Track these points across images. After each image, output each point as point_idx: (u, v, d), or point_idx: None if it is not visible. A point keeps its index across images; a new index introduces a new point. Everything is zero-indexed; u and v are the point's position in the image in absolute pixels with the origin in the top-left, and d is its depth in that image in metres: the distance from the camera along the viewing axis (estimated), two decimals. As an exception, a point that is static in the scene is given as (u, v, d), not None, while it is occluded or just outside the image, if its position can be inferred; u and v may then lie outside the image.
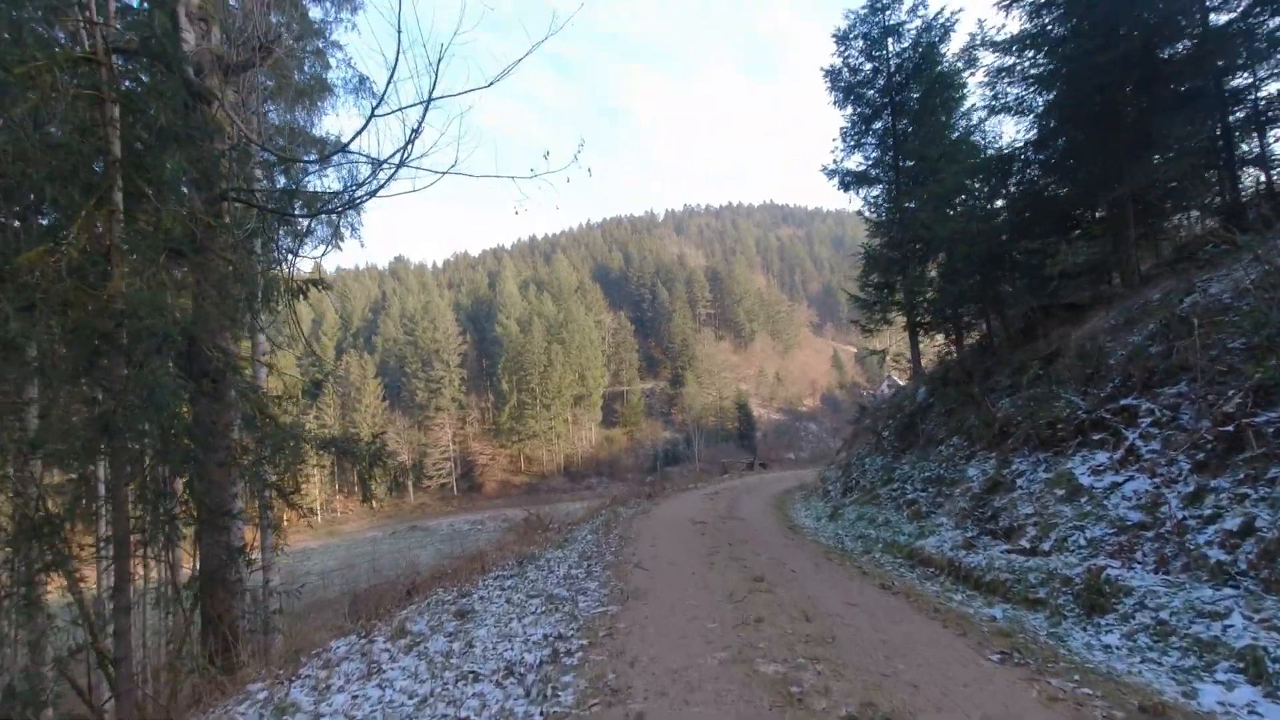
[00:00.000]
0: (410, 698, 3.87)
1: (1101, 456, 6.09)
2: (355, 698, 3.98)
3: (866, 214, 18.06)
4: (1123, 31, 9.40)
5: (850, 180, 17.75)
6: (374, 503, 52.71)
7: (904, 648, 4.13)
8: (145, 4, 8.86)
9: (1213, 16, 9.87)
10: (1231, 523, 4.33)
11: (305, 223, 10.34)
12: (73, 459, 5.77)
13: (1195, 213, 11.87)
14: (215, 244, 6.90)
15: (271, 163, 9.55)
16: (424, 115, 5.17)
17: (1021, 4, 11.45)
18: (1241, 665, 3.40)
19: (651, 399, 79.00)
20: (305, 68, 11.73)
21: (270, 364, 9.91)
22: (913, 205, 15.16)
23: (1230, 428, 4.80)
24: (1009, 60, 11.63)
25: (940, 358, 16.03)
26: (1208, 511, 4.60)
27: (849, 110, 17.54)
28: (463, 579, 8.04)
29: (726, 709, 3.30)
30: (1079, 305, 10.32)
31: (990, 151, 12.42)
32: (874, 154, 17.68)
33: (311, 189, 10.44)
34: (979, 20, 12.39)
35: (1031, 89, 11.48)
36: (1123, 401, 6.34)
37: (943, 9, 15.67)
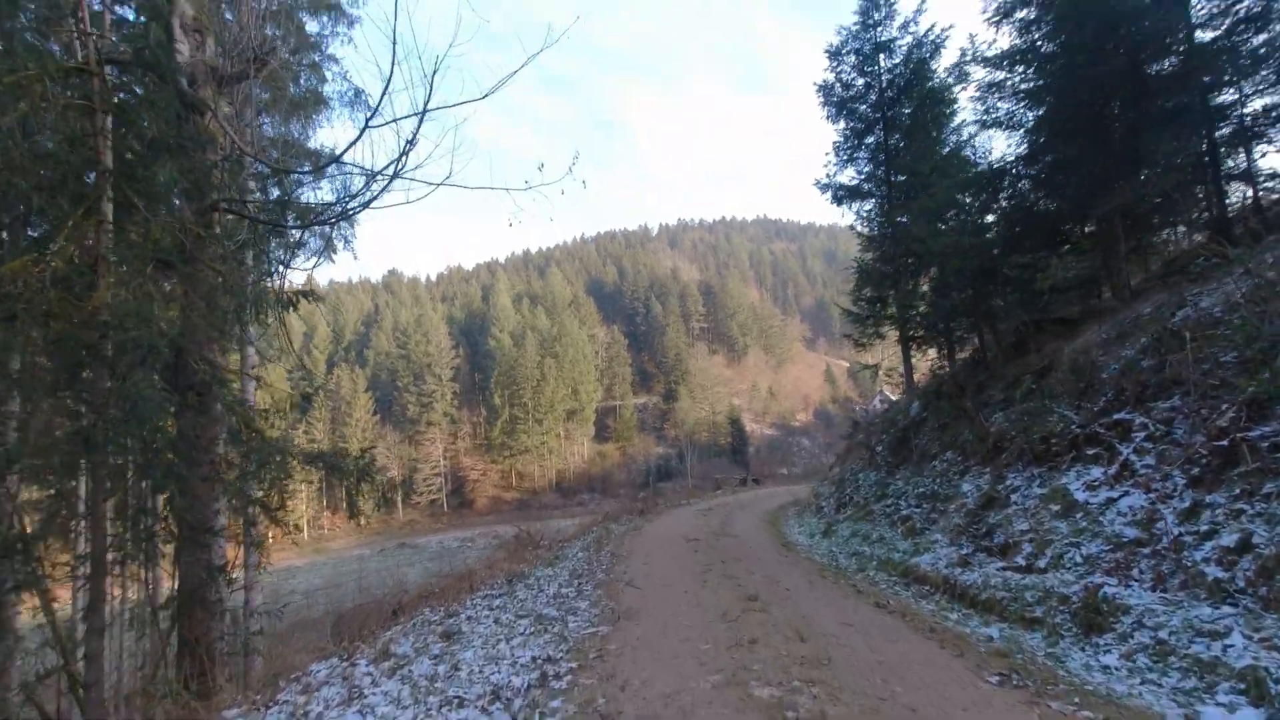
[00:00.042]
0: (392, 724, 3.73)
1: (1096, 471, 6.05)
2: (335, 724, 3.84)
3: (859, 228, 18.19)
4: (1110, 48, 9.55)
5: (843, 194, 17.88)
6: (362, 519, 52.09)
7: (901, 669, 4.04)
8: (142, 17, 8.87)
9: (1198, 34, 10.03)
10: (1228, 539, 4.28)
11: (297, 234, 10.27)
12: (51, 474, 5.63)
13: (1183, 228, 12.01)
14: (205, 255, 6.81)
15: (265, 175, 9.51)
16: (419, 127, 5.14)
17: (1011, 21, 11.64)
18: (1243, 686, 3.33)
19: (644, 414, 78.77)
20: (301, 81, 11.75)
21: (258, 377, 9.78)
22: (905, 219, 15.27)
23: (1225, 442, 4.77)
24: (999, 75, 11.79)
25: (933, 372, 16.06)
26: (1204, 528, 4.55)
27: (842, 125, 17.72)
28: (450, 598, 7.88)
29: (719, 735, 3.20)
30: (1070, 319, 10.36)
31: (981, 166, 12.53)
32: (866, 168, 17.84)
33: (305, 201, 10.41)
34: (970, 35, 12.57)
35: (1021, 104, 11.63)
36: (1116, 416, 6.32)
37: (933, 26, 15.93)
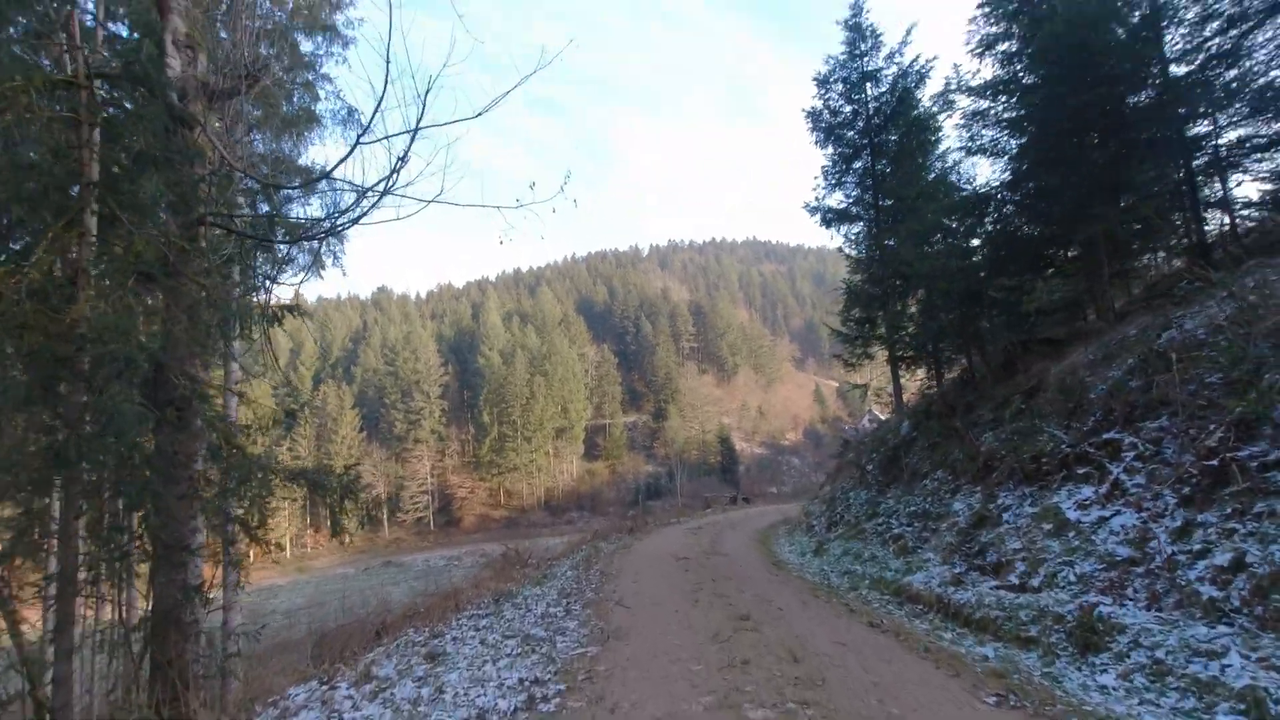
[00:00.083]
0: (373, 750, 3.59)
1: (1087, 490, 6.06)
2: (313, 751, 3.69)
3: (848, 250, 18.40)
4: (1089, 80, 9.81)
5: (831, 217, 18.11)
6: (346, 537, 51.13)
7: (896, 690, 3.97)
8: (135, 33, 8.89)
9: (1173, 68, 10.36)
10: (1222, 558, 4.28)
11: (285, 249, 10.21)
12: (21, 490, 5.44)
13: (1162, 253, 12.27)
14: (189, 269, 6.72)
15: (255, 190, 9.47)
16: (410, 144, 5.12)
17: (993, 53, 11.97)
18: (1243, 707, 3.29)
19: (634, 432, 78.43)
20: (294, 99, 11.78)
21: (242, 393, 9.61)
22: (892, 243, 15.48)
23: (1214, 462, 4.79)
24: (983, 104, 12.08)
25: (922, 392, 16.15)
26: (1197, 546, 4.55)
27: (830, 150, 18.01)
28: (435, 618, 7.69)
29: (713, 760, 3.10)
30: (1057, 340, 10.48)
31: (966, 192, 12.75)
32: (854, 192, 18.11)
33: (294, 216, 10.35)
34: (955, 65, 12.92)
35: (1004, 132, 11.89)
36: (1105, 435, 6.35)
37: (918, 56, 16.32)
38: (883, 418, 26.40)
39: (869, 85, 17.16)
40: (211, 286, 7.11)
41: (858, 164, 17.77)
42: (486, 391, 69.51)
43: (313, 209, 11.78)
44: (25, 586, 5.25)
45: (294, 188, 10.38)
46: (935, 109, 15.55)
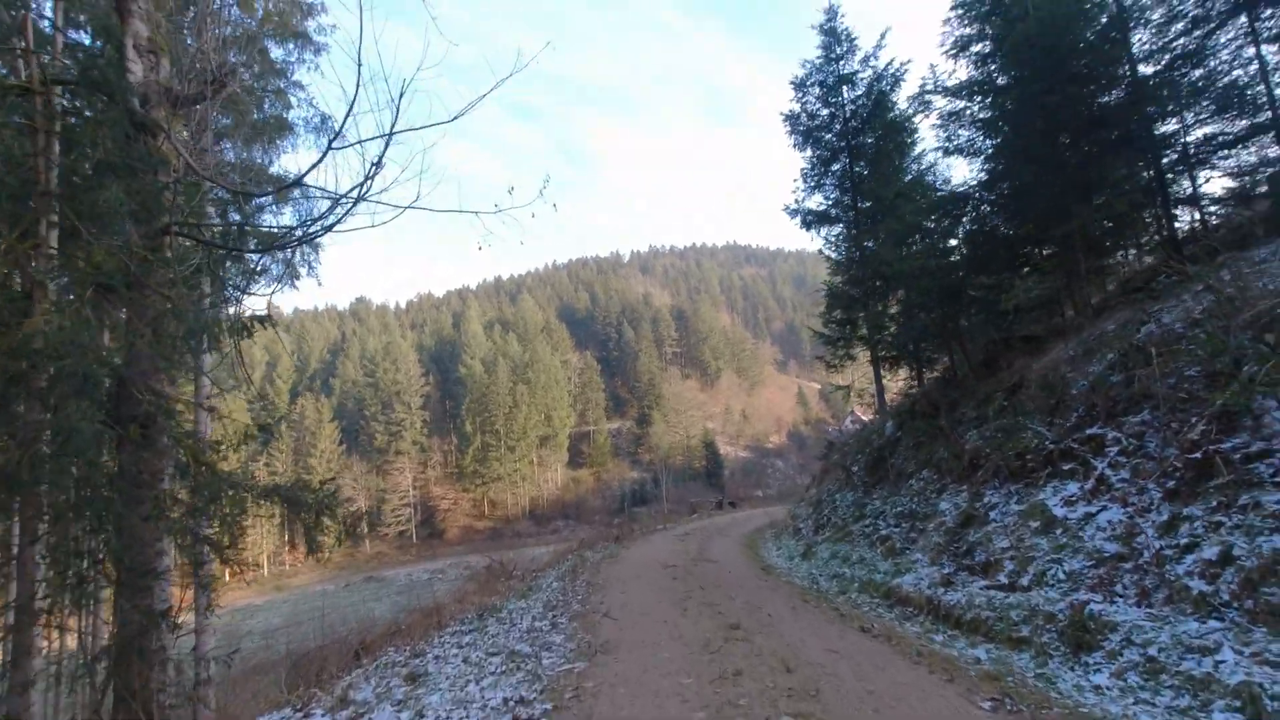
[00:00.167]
0: (349, 782, 3.40)
1: (1072, 487, 6.06)
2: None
3: (828, 253, 18.51)
4: (1060, 80, 9.96)
5: (811, 219, 18.20)
6: (326, 553, 50.00)
7: (891, 698, 3.88)
8: (98, 42, 8.61)
9: (1141, 67, 10.56)
10: (1209, 552, 4.27)
11: (257, 259, 9.93)
12: (-28, 515, 5.15)
13: (1134, 250, 12.48)
14: (152, 280, 6.46)
15: (225, 199, 9.20)
16: (385, 149, 4.98)
17: (968, 54, 12.11)
18: (1239, 704, 3.24)
19: (618, 439, 78.16)
20: (266, 107, 11.52)
21: (213, 408, 9.29)
22: (872, 244, 15.58)
23: (1198, 454, 4.80)
24: (959, 105, 12.21)
25: (904, 392, 16.24)
26: (1184, 540, 4.54)
27: (808, 152, 18.13)
28: (417, 636, 7.46)
29: (706, 780, 2.97)
30: (1037, 337, 10.58)
31: (943, 192, 12.87)
32: (833, 194, 18.24)
33: (266, 226, 10.08)
34: (931, 66, 13.04)
35: (980, 132, 12.02)
36: (1089, 431, 6.37)
37: (892, 60, 16.54)
38: (866, 419, 26.55)
39: (845, 89, 17.32)
40: (177, 298, 6.85)
41: (836, 166, 17.91)
42: (469, 401, 68.78)
43: (285, 218, 11.47)
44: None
45: (265, 195, 10.11)
46: (911, 111, 15.73)
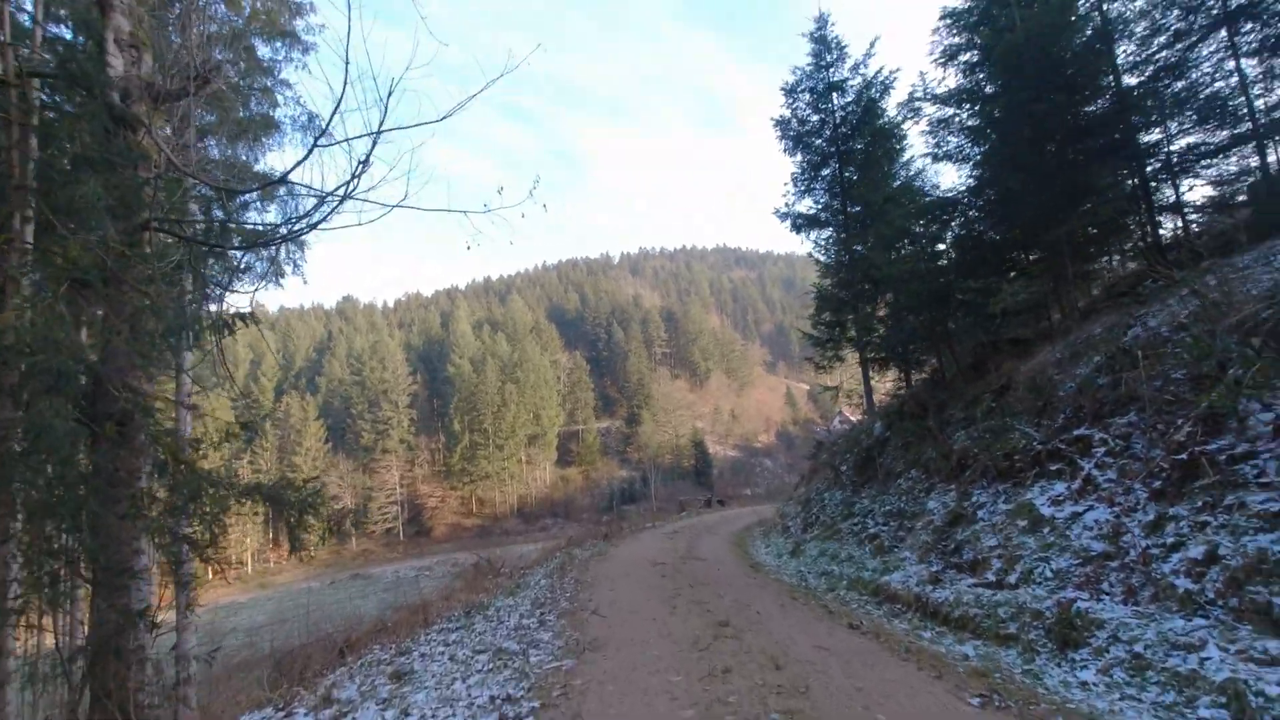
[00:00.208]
0: (331, 783, 3.33)
1: (1060, 487, 6.11)
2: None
3: (817, 255, 18.61)
4: (1047, 90, 10.07)
5: (801, 223, 18.29)
6: (309, 551, 49.48)
7: (880, 695, 3.87)
8: (80, 37, 8.46)
9: (1126, 78, 10.71)
10: (1195, 551, 4.31)
11: (241, 256, 9.78)
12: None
13: (1118, 256, 12.66)
14: (130, 275, 6.33)
15: (209, 196, 9.05)
16: (372, 148, 4.89)
17: (956, 62, 12.22)
18: (1224, 700, 3.27)
19: (608, 438, 78.04)
20: (252, 104, 11.35)
21: (194, 406, 9.13)
22: (861, 248, 15.68)
23: (1184, 456, 4.85)
24: (948, 112, 12.31)
25: (893, 393, 16.34)
26: (1170, 540, 4.58)
27: (799, 157, 18.22)
28: (403, 633, 7.37)
29: (697, 779, 2.94)
30: (1024, 340, 10.68)
31: (932, 197, 12.97)
32: (823, 199, 18.34)
33: (252, 223, 9.92)
34: (921, 73, 13.14)
35: (968, 139, 12.13)
36: (1076, 432, 6.43)
37: (882, 68, 16.70)
38: (854, 419, 26.72)
39: (835, 95, 17.43)
40: (156, 294, 6.71)
41: (826, 171, 18.02)
42: (457, 400, 68.35)
43: (271, 215, 11.30)
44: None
45: (249, 191, 9.96)
46: (900, 118, 15.87)
